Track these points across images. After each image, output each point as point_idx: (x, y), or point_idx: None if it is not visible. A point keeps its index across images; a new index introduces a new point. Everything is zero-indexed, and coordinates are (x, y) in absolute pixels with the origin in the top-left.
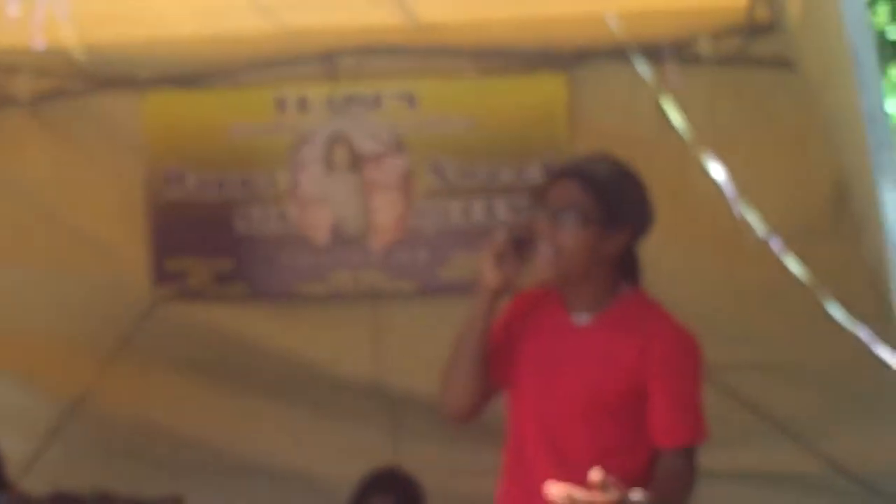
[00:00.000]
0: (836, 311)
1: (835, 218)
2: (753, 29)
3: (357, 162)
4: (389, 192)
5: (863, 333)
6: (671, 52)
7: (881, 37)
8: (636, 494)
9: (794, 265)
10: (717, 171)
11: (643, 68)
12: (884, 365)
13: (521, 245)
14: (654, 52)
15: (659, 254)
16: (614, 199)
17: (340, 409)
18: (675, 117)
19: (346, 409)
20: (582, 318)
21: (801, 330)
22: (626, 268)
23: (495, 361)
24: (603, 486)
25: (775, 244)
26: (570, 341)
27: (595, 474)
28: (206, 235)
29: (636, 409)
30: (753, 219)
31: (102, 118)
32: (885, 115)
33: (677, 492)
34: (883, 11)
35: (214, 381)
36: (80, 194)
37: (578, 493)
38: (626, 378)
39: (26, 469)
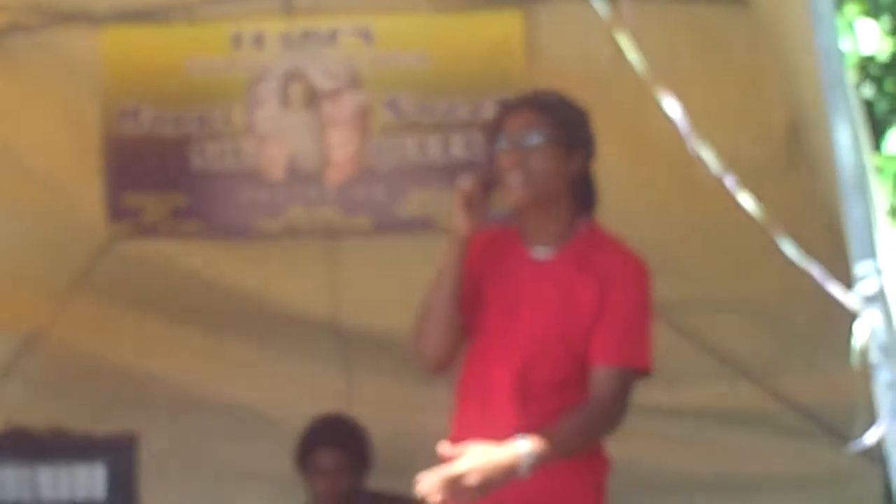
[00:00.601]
0: (789, 248)
1: (789, 155)
2: None
3: (313, 98)
4: (345, 128)
5: (815, 270)
6: None
7: None
8: (523, 445)
9: (747, 202)
10: (672, 108)
11: (599, 5)
12: (836, 302)
13: (486, 187)
14: None
15: (614, 190)
16: (569, 122)
17: (295, 346)
18: (631, 54)
19: (302, 346)
20: (541, 253)
21: (754, 267)
22: (582, 197)
23: (464, 308)
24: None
25: (729, 181)
26: (530, 276)
27: (443, 448)
28: (161, 171)
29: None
30: (708, 156)
31: (58, 53)
32: (840, 52)
33: (596, 419)
34: None
35: (170, 317)
36: (35, 130)
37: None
38: (586, 315)
39: None
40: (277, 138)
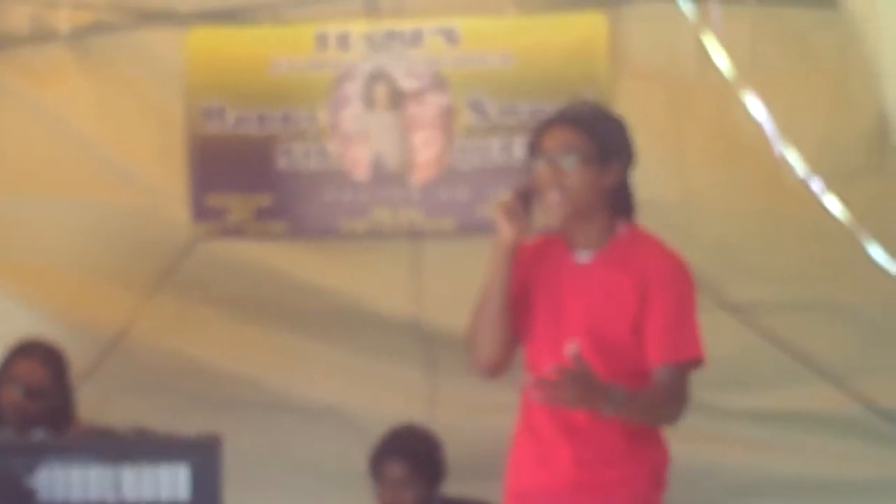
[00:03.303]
0: (875, 251)
1: (877, 157)
2: None
3: (397, 99)
4: (430, 129)
5: None
6: None
7: None
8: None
9: (833, 204)
10: (757, 109)
11: (686, 6)
12: None
13: (527, 197)
14: None
15: (700, 193)
16: (604, 136)
17: (378, 346)
18: (717, 56)
19: (384, 347)
20: (583, 256)
21: (839, 269)
22: (621, 204)
23: (515, 314)
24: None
25: (815, 183)
26: (573, 279)
27: (571, 348)
28: (245, 171)
29: (638, 345)
30: (794, 158)
31: (143, 52)
32: None
33: (663, 403)
34: None
35: (253, 317)
36: (121, 129)
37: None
38: (628, 314)
39: None
40: (362, 139)
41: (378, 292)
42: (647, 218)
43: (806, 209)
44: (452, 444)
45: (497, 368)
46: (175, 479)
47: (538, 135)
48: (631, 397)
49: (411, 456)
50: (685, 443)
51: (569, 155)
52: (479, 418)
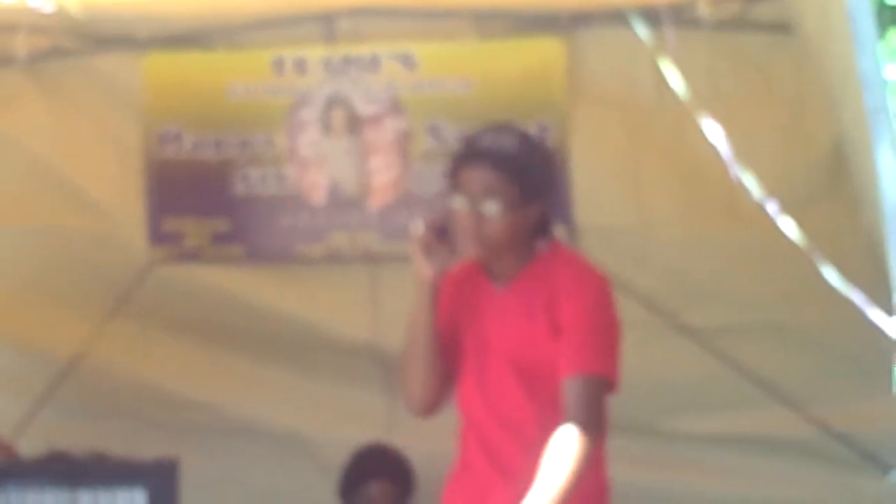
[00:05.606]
0: (831, 275)
1: (832, 182)
2: None
3: (355, 124)
4: (387, 154)
5: (857, 297)
6: (670, 15)
7: (880, 1)
8: None
9: (790, 228)
10: (715, 134)
11: (642, 31)
12: (877, 329)
13: (443, 232)
14: (652, 16)
15: (657, 217)
16: (528, 177)
17: (336, 371)
18: (674, 81)
19: (343, 371)
20: (501, 284)
21: (795, 293)
22: (539, 229)
23: (445, 349)
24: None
25: (771, 207)
26: (492, 309)
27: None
28: (203, 195)
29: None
30: (750, 182)
31: (100, 77)
32: (882, 79)
33: (572, 466)
34: None
35: (210, 342)
36: (78, 154)
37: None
38: (544, 330)
39: (21, 430)
40: (319, 163)
41: (336, 316)
42: (605, 243)
43: (762, 234)
44: None
45: (431, 407)
46: (132, 503)
47: (458, 167)
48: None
49: (392, 475)
50: (640, 468)
51: (490, 200)
52: (437, 443)
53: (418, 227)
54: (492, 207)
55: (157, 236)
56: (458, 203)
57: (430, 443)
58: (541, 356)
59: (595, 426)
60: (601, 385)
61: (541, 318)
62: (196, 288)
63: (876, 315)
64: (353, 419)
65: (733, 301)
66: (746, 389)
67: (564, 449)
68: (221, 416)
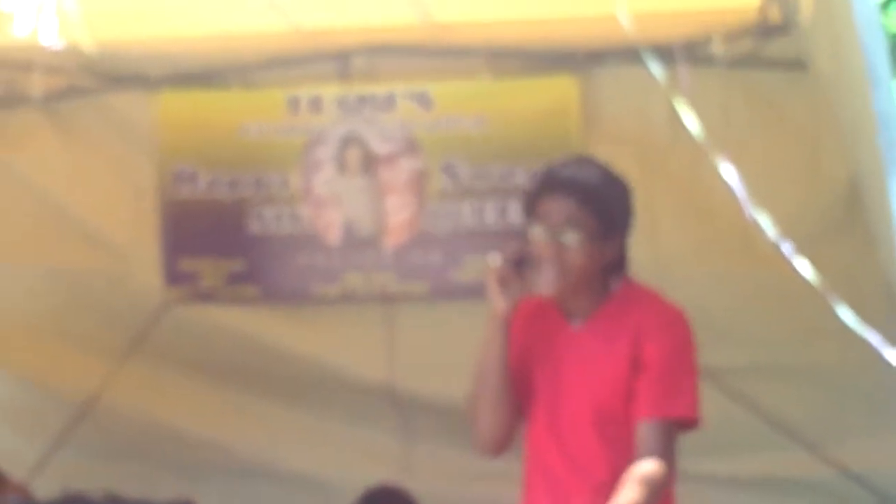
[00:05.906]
0: (847, 315)
1: (847, 219)
2: (766, 30)
3: (370, 163)
4: (402, 193)
5: (873, 337)
6: (684, 53)
7: (894, 38)
8: None
9: (805, 268)
10: (729, 172)
11: (656, 69)
12: (893, 369)
13: (520, 264)
14: (666, 54)
15: (671, 256)
16: (610, 210)
17: (352, 412)
18: (688, 118)
19: (358, 412)
20: (578, 323)
21: (811, 333)
22: (615, 266)
23: (515, 386)
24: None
25: (786, 247)
26: (569, 348)
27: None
28: (218, 235)
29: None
30: (765, 221)
31: (115, 116)
32: None
33: (646, 490)
34: None
35: (226, 382)
36: (93, 193)
37: None
38: (625, 370)
39: (37, 471)
40: (334, 203)
41: (351, 357)
42: None
43: (777, 272)
44: None
45: (501, 444)
46: None
47: (537, 197)
48: None
49: None
50: None
51: (571, 231)
52: (453, 485)
53: (495, 259)
54: (572, 237)
55: (173, 276)
56: (537, 233)
57: (445, 485)
58: (620, 398)
59: (669, 466)
60: (677, 428)
61: (623, 359)
62: (211, 328)
63: (892, 355)
64: (368, 460)
65: (748, 340)
66: (762, 430)
67: (641, 476)
68: (236, 457)
